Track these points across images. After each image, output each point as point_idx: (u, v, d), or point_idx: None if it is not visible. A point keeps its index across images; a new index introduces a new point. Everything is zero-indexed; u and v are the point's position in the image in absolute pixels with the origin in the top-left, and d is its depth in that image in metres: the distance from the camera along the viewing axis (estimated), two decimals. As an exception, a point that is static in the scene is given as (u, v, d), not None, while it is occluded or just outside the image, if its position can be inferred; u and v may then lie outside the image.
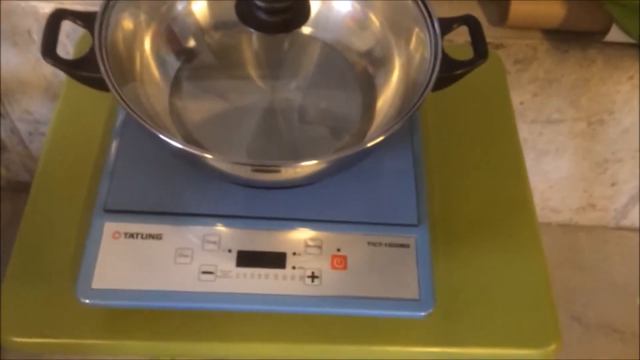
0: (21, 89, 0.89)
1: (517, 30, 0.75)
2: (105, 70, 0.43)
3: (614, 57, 0.78)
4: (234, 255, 0.47)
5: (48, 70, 0.85)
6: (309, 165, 0.42)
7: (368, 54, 0.53)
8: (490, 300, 0.50)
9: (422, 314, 0.46)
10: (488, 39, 0.48)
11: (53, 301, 0.47)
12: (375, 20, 0.52)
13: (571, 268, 1.15)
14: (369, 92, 0.52)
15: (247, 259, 0.47)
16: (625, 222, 1.19)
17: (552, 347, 0.48)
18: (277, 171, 0.43)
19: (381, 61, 0.52)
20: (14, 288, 0.48)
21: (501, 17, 0.74)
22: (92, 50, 0.44)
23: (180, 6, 0.52)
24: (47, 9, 0.75)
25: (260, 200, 0.49)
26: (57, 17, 0.46)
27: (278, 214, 0.49)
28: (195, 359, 0.90)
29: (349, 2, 0.53)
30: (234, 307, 0.46)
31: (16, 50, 0.82)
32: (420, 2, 0.48)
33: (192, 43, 0.52)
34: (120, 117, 0.53)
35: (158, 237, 0.47)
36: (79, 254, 0.46)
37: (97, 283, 0.45)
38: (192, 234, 0.47)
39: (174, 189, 0.49)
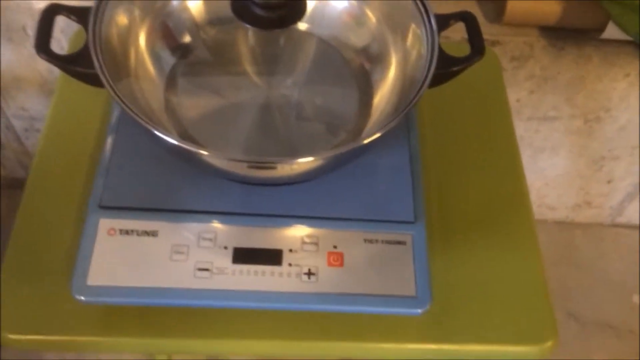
0: (16, 86, 0.89)
1: (513, 27, 0.75)
2: (100, 66, 0.43)
3: (610, 54, 0.78)
4: (230, 252, 0.47)
5: (43, 66, 0.85)
6: (306, 162, 0.42)
7: (364, 50, 0.53)
8: (487, 297, 0.50)
9: (419, 310, 0.46)
10: (484, 36, 0.48)
11: (49, 298, 0.47)
12: (371, 16, 0.52)
13: (567, 265, 1.16)
14: (366, 88, 0.52)
15: (243, 255, 0.47)
16: (621, 220, 1.19)
17: (549, 343, 0.48)
18: (273, 168, 0.43)
19: (378, 57, 0.52)
20: (9, 285, 0.47)
21: (498, 14, 0.74)
22: (86, 45, 0.44)
23: (175, 2, 0.52)
24: (42, 4, 0.74)
25: (257, 197, 0.49)
26: (51, 13, 0.46)
27: (274, 211, 0.49)
28: (191, 356, 0.90)
29: (346, -2, 0.53)
30: (230, 304, 0.46)
31: (11, 47, 0.81)
32: (417, -2, 0.48)
33: (187, 39, 0.52)
34: (116, 113, 0.53)
35: (154, 233, 0.47)
36: (74, 251, 0.46)
37: (93, 280, 0.45)
38: (188, 230, 0.47)
39: (170, 185, 0.49)
